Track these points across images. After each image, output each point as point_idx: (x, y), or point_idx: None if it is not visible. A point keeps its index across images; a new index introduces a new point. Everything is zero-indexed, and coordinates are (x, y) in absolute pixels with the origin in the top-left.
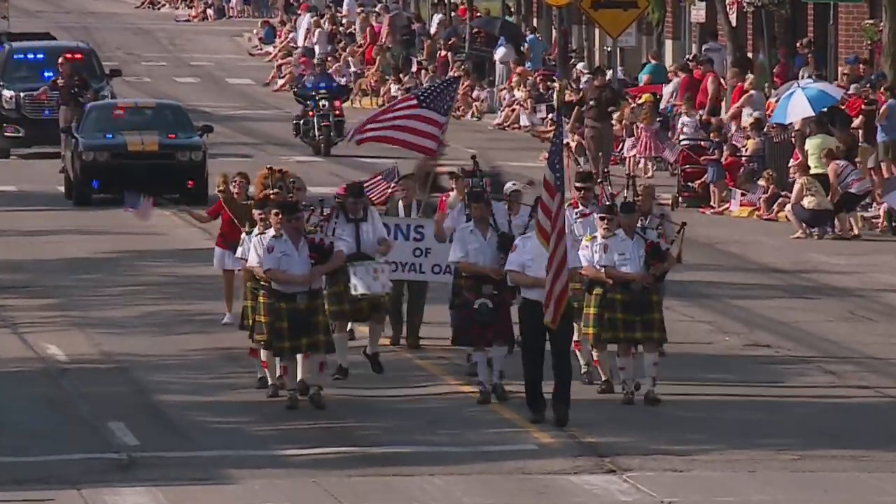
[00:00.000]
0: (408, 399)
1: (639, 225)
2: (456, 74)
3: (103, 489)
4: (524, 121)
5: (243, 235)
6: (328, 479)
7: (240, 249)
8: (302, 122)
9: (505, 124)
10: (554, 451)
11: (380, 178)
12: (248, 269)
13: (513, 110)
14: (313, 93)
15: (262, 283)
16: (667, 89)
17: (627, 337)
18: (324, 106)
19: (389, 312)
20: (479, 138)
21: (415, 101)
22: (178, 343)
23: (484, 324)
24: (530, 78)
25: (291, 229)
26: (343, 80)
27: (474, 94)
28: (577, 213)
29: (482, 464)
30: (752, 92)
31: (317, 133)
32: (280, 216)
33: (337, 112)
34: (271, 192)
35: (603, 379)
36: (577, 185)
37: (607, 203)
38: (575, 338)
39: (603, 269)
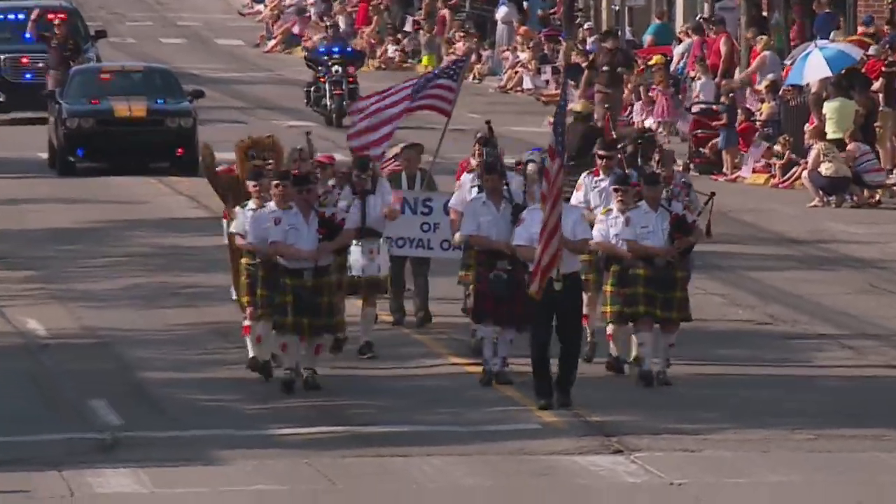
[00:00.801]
0: (405, 377)
1: (664, 196)
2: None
3: (85, 471)
4: (528, 83)
5: (237, 209)
6: (322, 460)
7: (234, 223)
8: (313, 89)
9: (507, 87)
10: (558, 430)
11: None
12: (245, 247)
13: (516, 72)
14: (326, 58)
15: (261, 259)
16: (678, 50)
17: (648, 311)
18: (337, 72)
19: (389, 291)
20: (480, 102)
21: (409, 92)
22: (163, 317)
23: (499, 298)
24: (534, 38)
25: (302, 201)
26: (358, 45)
27: (475, 55)
28: (595, 182)
29: (482, 444)
30: (766, 53)
31: (328, 102)
32: (281, 187)
33: (350, 79)
34: (262, 162)
35: (614, 355)
36: (601, 153)
37: (622, 173)
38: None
39: (621, 244)
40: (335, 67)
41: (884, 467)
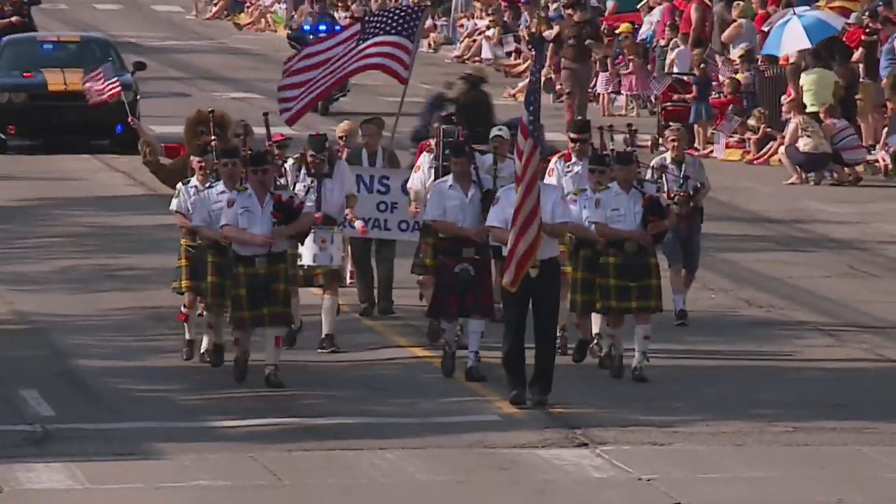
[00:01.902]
0: (356, 365)
1: (651, 176)
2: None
3: (15, 465)
4: (486, 53)
5: (179, 185)
6: (266, 454)
7: (174, 202)
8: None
9: (465, 57)
10: (519, 422)
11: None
12: (187, 226)
13: (473, 41)
14: (311, 37)
15: (211, 242)
16: (648, 18)
17: (621, 307)
18: None
19: (358, 279)
20: (434, 72)
21: (357, 32)
22: (98, 301)
23: (463, 292)
24: (493, 4)
25: (258, 183)
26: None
27: (429, 22)
28: (567, 167)
29: (438, 436)
30: (741, 21)
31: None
32: (230, 166)
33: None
34: (209, 138)
35: (579, 339)
36: (573, 135)
37: (599, 153)
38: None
39: (593, 227)
40: None
41: (866, 461)
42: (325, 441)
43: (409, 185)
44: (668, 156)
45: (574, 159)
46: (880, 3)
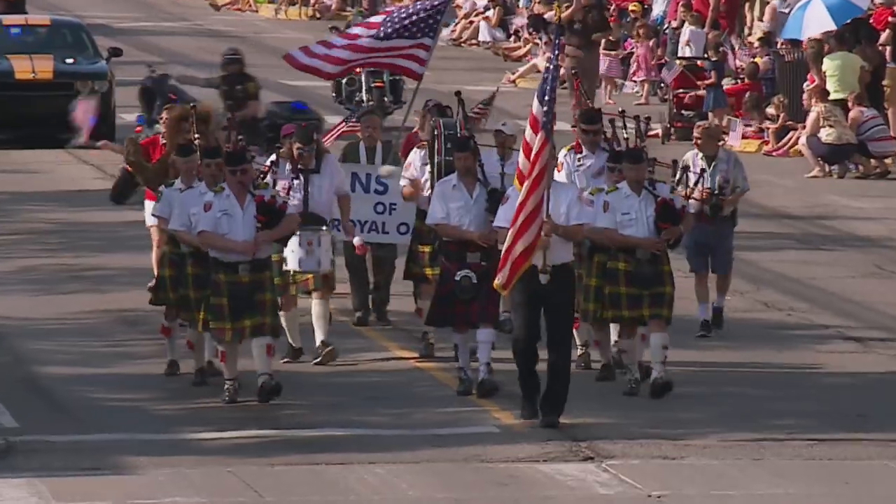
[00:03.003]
0: (344, 372)
1: (677, 176)
2: None
3: None
4: (484, 35)
5: (162, 187)
6: (247, 468)
7: (157, 206)
8: (345, 80)
9: (461, 40)
10: (519, 434)
11: (343, 125)
12: (167, 231)
13: (470, 22)
14: None
15: (190, 249)
16: None
17: (633, 316)
18: None
19: (352, 283)
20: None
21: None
22: (63, 304)
23: (467, 301)
24: None
25: (236, 183)
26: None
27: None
28: (578, 160)
29: (432, 450)
30: (774, 2)
31: (365, 96)
32: (213, 167)
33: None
34: (194, 136)
35: (602, 363)
36: (584, 126)
37: (616, 149)
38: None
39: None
40: None
41: (893, 477)
42: (309, 454)
43: (400, 182)
44: (699, 153)
45: (585, 152)
46: None
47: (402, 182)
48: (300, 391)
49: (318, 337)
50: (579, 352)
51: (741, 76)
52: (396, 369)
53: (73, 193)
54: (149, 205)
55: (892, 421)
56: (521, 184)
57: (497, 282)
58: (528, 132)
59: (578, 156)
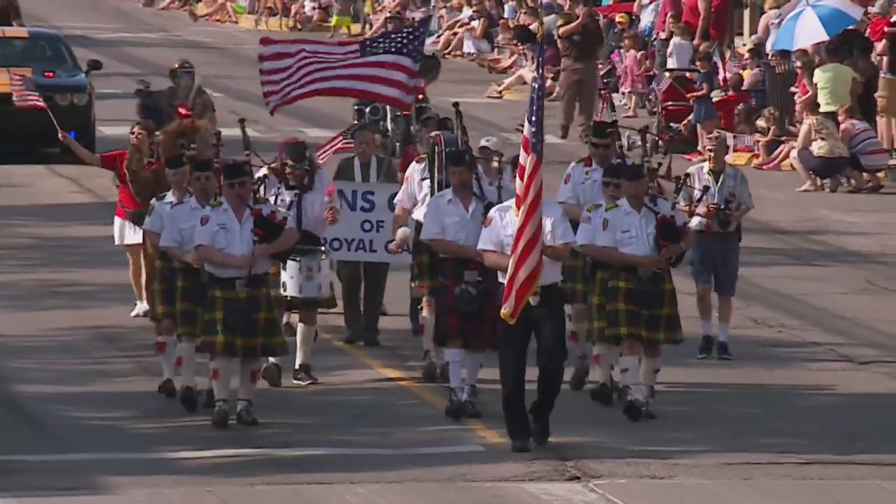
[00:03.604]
0: (325, 390)
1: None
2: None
3: None
4: (469, 47)
5: (153, 201)
6: (227, 488)
7: (148, 219)
8: (368, 107)
9: (445, 51)
10: (504, 453)
11: (340, 139)
12: (160, 248)
13: (454, 34)
14: None
15: (181, 264)
16: (650, 7)
17: (632, 332)
18: None
19: (346, 303)
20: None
21: (357, 49)
22: (42, 320)
23: (466, 315)
24: None
25: (234, 197)
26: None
27: (407, 13)
28: (586, 174)
29: (416, 469)
30: (770, 12)
31: (389, 124)
32: (203, 179)
33: (420, 94)
34: (188, 151)
35: (600, 382)
36: (595, 140)
37: (615, 162)
38: (569, 327)
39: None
40: None
41: (886, 497)
42: (291, 474)
43: (397, 199)
44: (706, 166)
45: (594, 166)
46: None
47: (399, 197)
48: (282, 410)
49: (300, 359)
50: (574, 371)
51: (726, 88)
52: (380, 388)
53: (50, 208)
54: (118, 222)
55: (884, 440)
56: (517, 206)
57: (504, 311)
58: (522, 154)
59: (587, 169)
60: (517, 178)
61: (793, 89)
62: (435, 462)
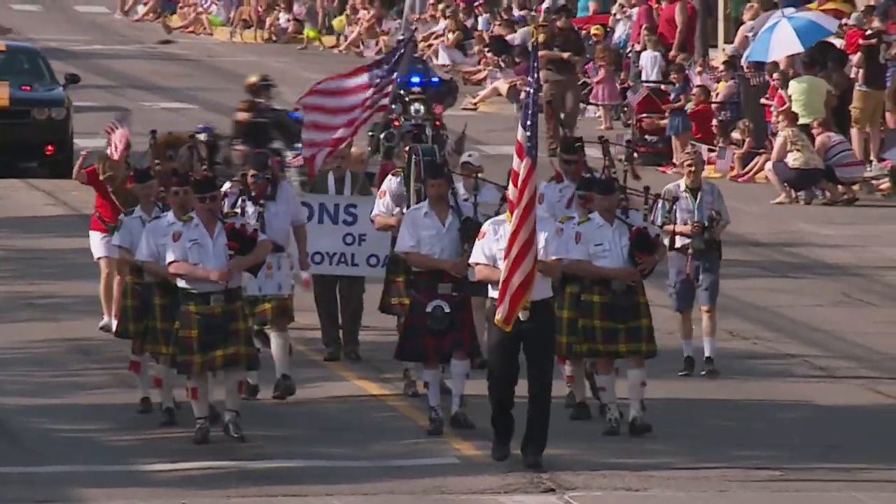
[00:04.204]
0: (300, 402)
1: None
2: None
3: None
4: (444, 58)
5: (122, 216)
6: (201, 501)
7: (117, 235)
8: (384, 135)
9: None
10: (479, 465)
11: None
12: (131, 262)
13: (429, 45)
14: (401, 91)
15: (160, 280)
16: (624, 20)
17: (609, 350)
18: (417, 113)
19: (321, 317)
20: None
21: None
22: (16, 332)
23: (439, 332)
24: (452, 5)
25: (206, 211)
26: (447, 74)
27: (383, 25)
28: (560, 191)
29: (392, 481)
30: (750, 23)
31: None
32: (181, 194)
33: (437, 122)
34: (154, 162)
35: (577, 401)
36: (564, 156)
37: (587, 175)
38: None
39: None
40: (415, 106)
41: None
42: (266, 486)
43: (372, 213)
44: (683, 183)
45: (566, 182)
46: (893, 2)
47: (376, 210)
48: (257, 422)
49: (279, 372)
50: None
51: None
52: (355, 400)
53: (26, 220)
54: (94, 235)
55: (859, 452)
56: (512, 213)
57: (497, 317)
58: (515, 160)
59: (559, 186)
60: (510, 185)
61: (763, 101)
62: (410, 474)
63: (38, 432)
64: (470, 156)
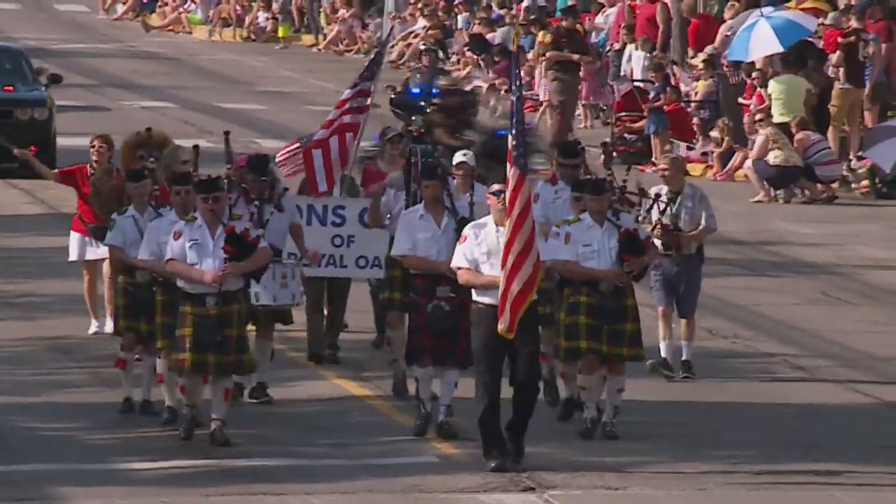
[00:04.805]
0: (279, 401)
1: (645, 206)
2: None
3: None
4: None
5: (114, 216)
6: (181, 499)
7: (109, 234)
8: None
9: (400, 62)
10: (459, 464)
11: (298, 145)
12: (129, 262)
13: (408, 45)
14: (422, 102)
15: (152, 277)
16: (601, 18)
17: (591, 347)
18: None
19: (310, 321)
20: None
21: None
22: None
23: (439, 333)
24: (431, 4)
25: (209, 212)
26: (470, 83)
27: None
28: (556, 193)
29: (371, 480)
30: (729, 22)
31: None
32: (183, 193)
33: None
34: (148, 163)
35: (565, 397)
36: (562, 160)
37: (584, 178)
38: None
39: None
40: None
41: None
42: (245, 485)
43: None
44: (664, 187)
45: (561, 184)
46: (872, 1)
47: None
48: (236, 421)
49: (257, 376)
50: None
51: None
52: (334, 399)
53: (3, 218)
54: (74, 236)
55: (838, 450)
56: (506, 219)
57: (500, 326)
58: (508, 167)
59: (555, 188)
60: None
61: (741, 100)
62: (389, 473)
63: (17, 430)
64: (465, 155)
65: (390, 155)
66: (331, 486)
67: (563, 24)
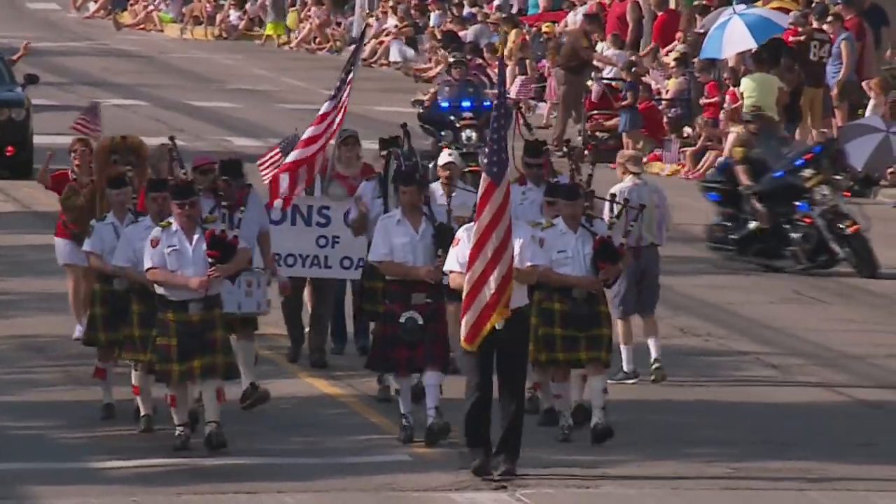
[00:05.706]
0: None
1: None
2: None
3: None
4: (395, 55)
5: (93, 222)
6: (153, 498)
7: (88, 241)
8: (431, 165)
9: (371, 60)
10: (431, 463)
11: (278, 151)
12: (105, 269)
13: (380, 42)
14: (451, 117)
15: (137, 286)
16: (571, 17)
17: (569, 358)
18: (469, 140)
19: (287, 319)
20: (336, 76)
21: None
22: None
23: (412, 343)
24: (403, 2)
25: (185, 218)
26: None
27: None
28: (523, 193)
29: (343, 478)
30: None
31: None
32: (160, 199)
33: None
34: (126, 168)
35: (544, 407)
36: (528, 160)
37: (553, 181)
38: None
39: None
40: (467, 133)
41: None
42: (217, 483)
43: (350, 216)
44: (627, 184)
45: (529, 185)
46: (836, 1)
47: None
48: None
49: (246, 380)
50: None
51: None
52: (307, 396)
53: None
54: (59, 242)
55: (812, 449)
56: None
57: (462, 341)
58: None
59: (522, 188)
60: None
61: (703, 101)
62: (362, 471)
63: None
64: (451, 155)
65: (346, 157)
66: (303, 484)
67: (587, 27)
